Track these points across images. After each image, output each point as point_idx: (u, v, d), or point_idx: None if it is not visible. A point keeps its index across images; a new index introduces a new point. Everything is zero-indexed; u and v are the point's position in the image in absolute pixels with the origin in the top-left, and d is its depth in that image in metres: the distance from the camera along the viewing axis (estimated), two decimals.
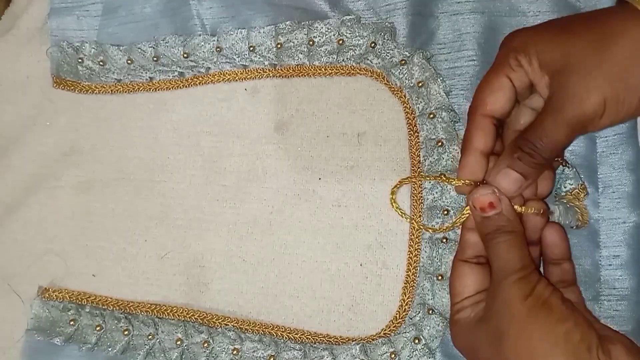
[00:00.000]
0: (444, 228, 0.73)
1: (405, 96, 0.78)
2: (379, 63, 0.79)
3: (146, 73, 0.87)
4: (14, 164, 0.89)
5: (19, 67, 0.91)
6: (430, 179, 0.75)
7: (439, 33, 0.80)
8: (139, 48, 0.86)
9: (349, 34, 0.79)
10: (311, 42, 0.80)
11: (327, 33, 0.80)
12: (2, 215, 0.88)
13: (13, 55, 0.91)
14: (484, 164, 0.67)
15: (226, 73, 0.85)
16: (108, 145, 0.87)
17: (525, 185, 0.66)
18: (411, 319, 0.74)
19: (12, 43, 0.91)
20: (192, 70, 0.86)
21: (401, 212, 0.72)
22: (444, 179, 0.71)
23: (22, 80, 0.91)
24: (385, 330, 0.75)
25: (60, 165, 0.87)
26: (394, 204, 0.73)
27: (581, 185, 0.72)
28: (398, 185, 0.74)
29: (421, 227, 0.75)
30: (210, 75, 0.85)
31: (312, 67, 0.81)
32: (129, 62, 0.87)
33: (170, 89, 0.86)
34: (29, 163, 0.88)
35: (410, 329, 0.74)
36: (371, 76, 0.80)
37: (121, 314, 0.82)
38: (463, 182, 0.68)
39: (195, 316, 0.80)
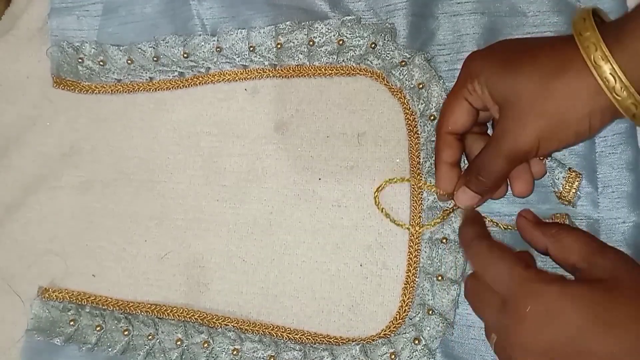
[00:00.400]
0: (431, 223, 0.75)
1: (405, 97, 0.78)
2: (379, 64, 0.79)
3: (146, 73, 0.87)
4: (14, 164, 0.89)
5: (19, 67, 0.91)
6: (417, 186, 0.76)
7: (439, 34, 0.79)
8: (139, 48, 0.86)
9: (349, 34, 0.79)
10: (311, 43, 0.80)
11: (327, 33, 0.80)
12: (2, 215, 0.88)
13: (13, 55, 0.91)
14: (454, 173, 0.72)
15: (226, 73, 0.85)
16: (108, 145, 0.87)
17: (483, 199, 0.72)
18: (411, 319, 0.74)
19: (12, 43, 0.91)
20: (192, 70, 0.86)
21: (385, 213, 0.76)
22: (427, 186, 0.76)
23: (22, 81, 0.91)
24: (385, 330, 0.75)
25: (60, 165, 0.88)
26: (378, 204, 0.77)
27: (570, 170, 0.72)
28: (383, 185, 0.77)
29: (404, 226, 0.77)
30: (210, 75, 0.85)
31: (312, 68, 0.81)
32: (129, 62, 0.87)
33: (170, 89, 0.87)
34: (29, 163, 0.89)
35: (410, 329, 0.74)
36: (371, 77, 0.80)
37: (121, 314, 0.82)
38: (438, 190, 0.74)
39: (196, 316, 0.80)
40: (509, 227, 0.74)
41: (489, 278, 0.64)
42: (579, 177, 0.72)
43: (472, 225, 0.71)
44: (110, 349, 0.80)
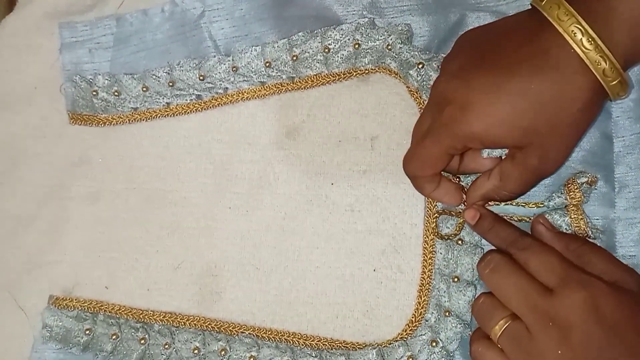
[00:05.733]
0: None
1: (421, 98, 0.78)
2: (396, 66, 0.79)
3: (163, 99, 0.86)
4: (23, 175, 0.88)
5: (26, 78, 0.91)
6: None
7: (459, 32, 0.77)
8: (153, 74, 0.86)
9: (364, 37, 0.79)
10: (326, 50, 0.80)
11: (341, 39, 0.80)
12: (12, 228, 0.87)
13: (20, 66, 0.91)
14: (449, 187, 0.73)
15: (244, 92, 0.84)
16: (118, 154, 0.86)
17: None
18: (427, 321, 0.74)
19: (19, 53, 0.91)
20: (210, 92, 0.85)
21: None
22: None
23: (30, 91, 0.90)
24: (401, 334, 0.75)
25: (69, 176, 0.87)
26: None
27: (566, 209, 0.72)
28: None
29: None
30: (228, 95, 0.85)
31: (330, 75, 0.81)
32: (144, 89, 0.87)
33: (188, 112, 0.86)
34: (39, 174, 0.88)
35: (427, 331, 0.73)
36: (389, 74, 0.80)
37: (137, 322, 0.81)
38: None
39: (212, 325, 0.79)
40: (523, 219, 0.73)
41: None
42: (578, 210, 0.71)
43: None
44: (126, 358, 0.79)
